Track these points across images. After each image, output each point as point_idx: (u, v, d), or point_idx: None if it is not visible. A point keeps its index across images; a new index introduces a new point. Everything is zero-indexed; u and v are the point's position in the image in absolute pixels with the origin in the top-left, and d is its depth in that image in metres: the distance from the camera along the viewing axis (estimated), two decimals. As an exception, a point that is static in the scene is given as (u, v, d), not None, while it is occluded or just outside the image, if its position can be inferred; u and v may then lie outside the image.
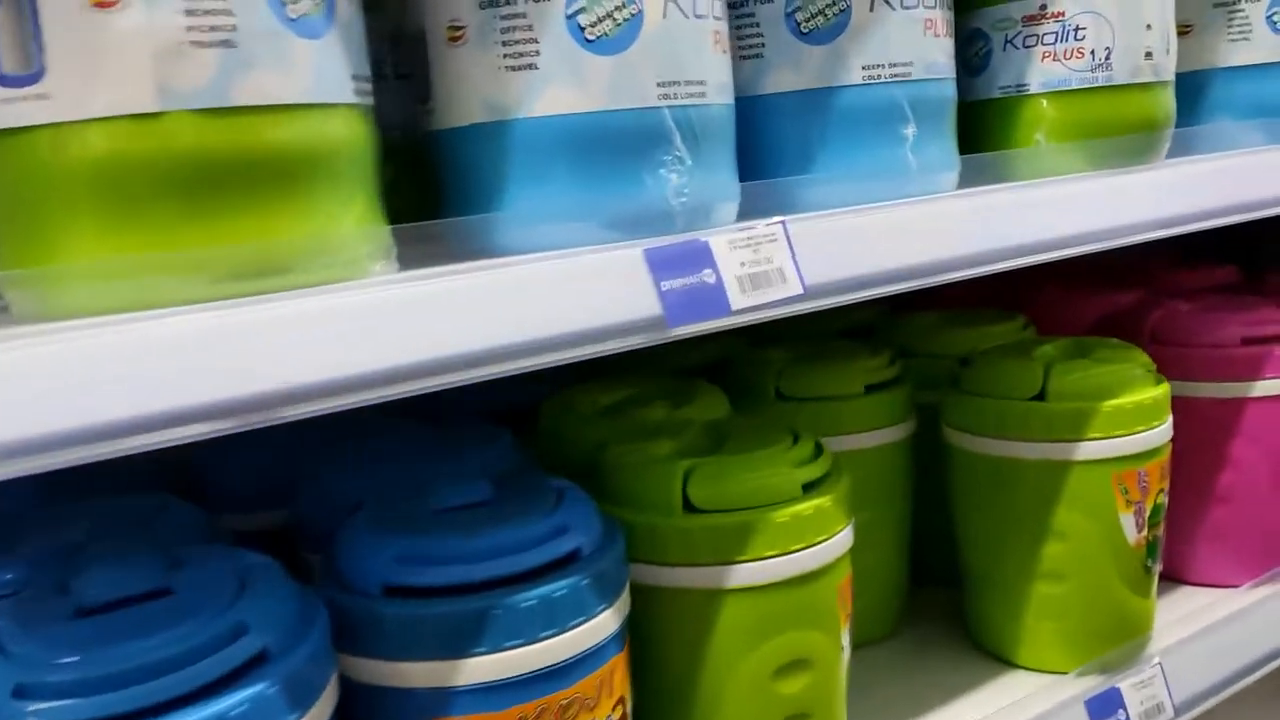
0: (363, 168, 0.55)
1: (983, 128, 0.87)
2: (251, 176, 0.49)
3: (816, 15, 0.72)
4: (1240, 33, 0.95)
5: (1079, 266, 1.12)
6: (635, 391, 0.92)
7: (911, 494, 0.99)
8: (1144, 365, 0.91)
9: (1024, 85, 0.84)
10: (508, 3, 0.59)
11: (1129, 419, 0.87)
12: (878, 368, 0.97)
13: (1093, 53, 0.81)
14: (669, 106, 0.61)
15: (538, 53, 0.59)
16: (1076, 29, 0.81)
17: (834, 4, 0.72)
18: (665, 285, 0.59)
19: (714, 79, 0.63)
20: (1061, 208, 0.76)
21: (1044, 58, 0.82)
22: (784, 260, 0.64)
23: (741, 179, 0.75)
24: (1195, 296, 1.14)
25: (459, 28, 0.61)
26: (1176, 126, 0.97)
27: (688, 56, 0.62)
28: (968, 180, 0.80)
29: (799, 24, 0.72)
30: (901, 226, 0.69)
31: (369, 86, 0.56)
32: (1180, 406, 1.01)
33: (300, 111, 0.50)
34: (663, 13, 0.60)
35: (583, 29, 0.59)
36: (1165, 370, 1.01)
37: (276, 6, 0.49)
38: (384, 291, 0.51)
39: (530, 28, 0.59)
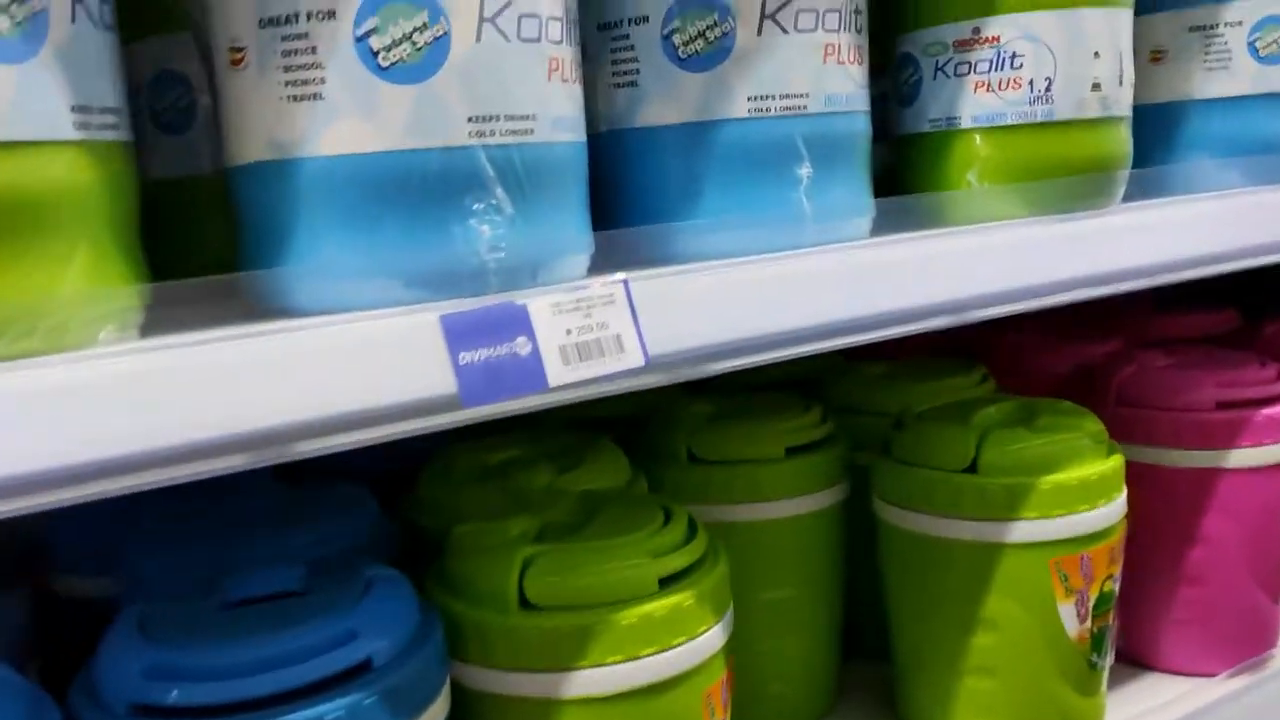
0: (93, 216, 0.46)
1: (913, 166, 0.77)
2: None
3: (696, 38, 0.63)
4: (1219, 60, 0.84)
5: (1056, 309, 1.02)
6: (524, 451, 0.83)
7: (841, 566, 0.89)
8: (1093, 435, 0.81)
9: (955, 119, 0.74)
10: (289, 21, 0.50)
11: (1070, 497, 0.77)
12: (803, 427, 0.87)
13: (1031, 83, 0.71)
14: (484, 145, 0.52)
15: (323, 80, 0.50)
16: (1013, 56, 0.71)
17: (715, 25, 0.62)
18: (464, 358, 0.50)
19: (549, 112, 0.54)
20: (983, 259, 0.67)
21: (977, 88, 0.72)
22: (624, 326, 0.55)
23: (619, 223, 0.66)
24: (1179, 348, 1.03)
25: (239, 49, 0.52)
26: (1149, 164, 0.87)
27: (511, 86, 0.52)
28: (885, 227, 0.71)
29: (676, 48, 0.63)
30: (778, 283, 0.59)
31: (110, 119, 0.47)
32: (1148, 475, 0.91)
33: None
34: (476, 35, 0.51)
35: (376, 53, 0.50)
36: (1132, 434, 0.91)
37: (-47, 29, 0.41)
38: (90, 366, 0.43)
39: (314, 50, 0.50)
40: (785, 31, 0.63)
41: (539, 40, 0.53)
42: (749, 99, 0.63)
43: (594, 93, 0.67)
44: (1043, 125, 0.72)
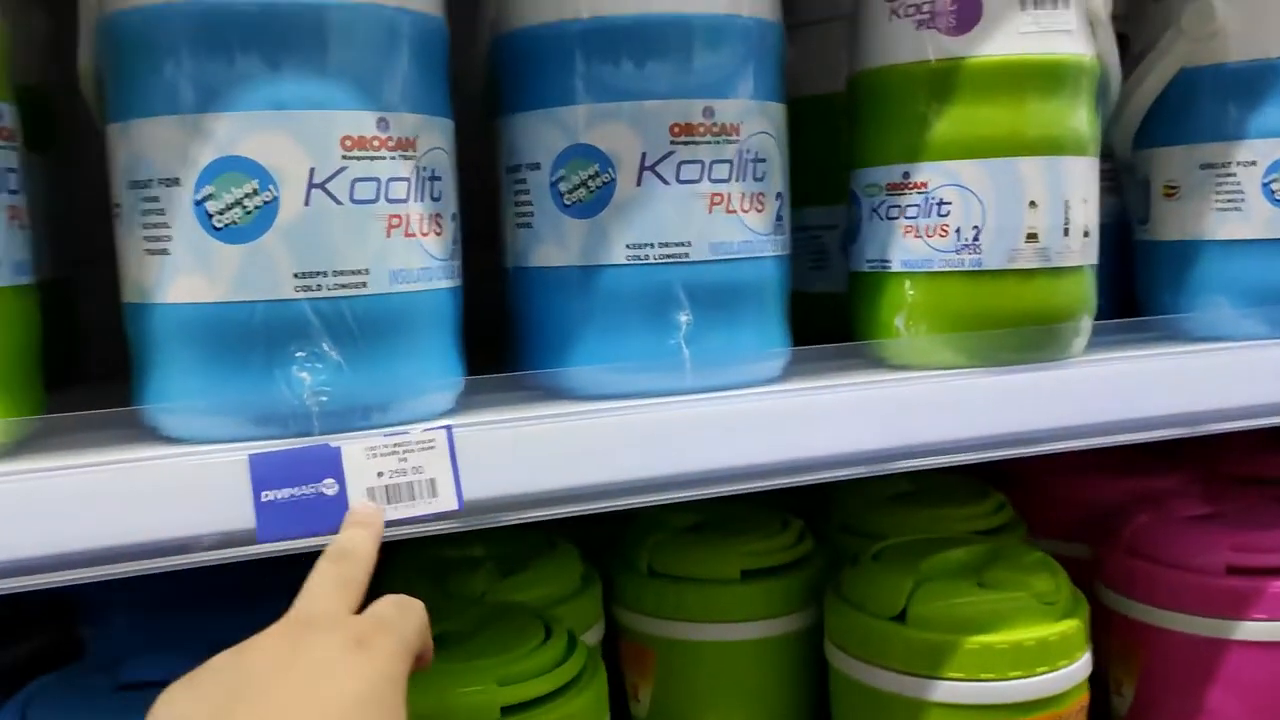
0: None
1: (855, 306, 0.76)
2: None
3: (579, 186, 0.65)
4: (1230, 202, 0.77)
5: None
6: (481, 550, 0.86)
7: (806, 695, 0.87)
8: (1042, 594, 0.76)
9: (887, 261, 0.72)
10: (146, 184, 0.56)
11: (999, 660, 0.72)
12: (770, 549, 0.86)
13: (958, 231, 0.69)
14: (310, 299, 0.56)
15: (170, 238, 0.56)
16: (940, 203, 0.69)
17: (597, 175, 0.64)
18: (266, 495, 0.55)
19: (386, 266, 0.58)
20: (852, 413, 0.65)
21: (906, 232, 0.70)
22: (440, 471, 0.58)
23: (525, 355, 0.69)
24: (1235, 494, 0.94)
25: (117, 205, 0.59)
26: (1160, 304, 0.82)
27: (342, 245, 0.56)
28: (800, 373, 0.70)
29: (563, 195, 0.65)
30: (614, 432, 0.61)
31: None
32: (1150, 637, 0.84)
33: None
34: (305, 200, 0.55)
35: (211, 215, 0.55)
36: (1134, 590, 0.85)
37: None
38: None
39: (163, 212, 0.56)
40: (665, 182, 0.64)
41: (375, 201, 0.57)
42: (628, 246, 0.64)
43: (504, 230, 0.70)
44: (972, 274, 0.69)
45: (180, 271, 0.56)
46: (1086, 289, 0.72)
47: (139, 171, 0.57)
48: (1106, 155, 0.88)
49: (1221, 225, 0.78)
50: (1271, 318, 0.76)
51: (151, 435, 0.59)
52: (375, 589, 0.82)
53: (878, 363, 0.74)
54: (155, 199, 0.56)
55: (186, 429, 0.58)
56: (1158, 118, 0.81)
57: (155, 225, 0.56)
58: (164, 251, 0.56)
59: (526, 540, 0.89)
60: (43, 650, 0.88)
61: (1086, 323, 0.73)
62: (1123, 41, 0.88)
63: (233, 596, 0.79)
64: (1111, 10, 0.88)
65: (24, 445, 0.57)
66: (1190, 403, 0.72)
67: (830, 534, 0.97)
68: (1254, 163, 0.76)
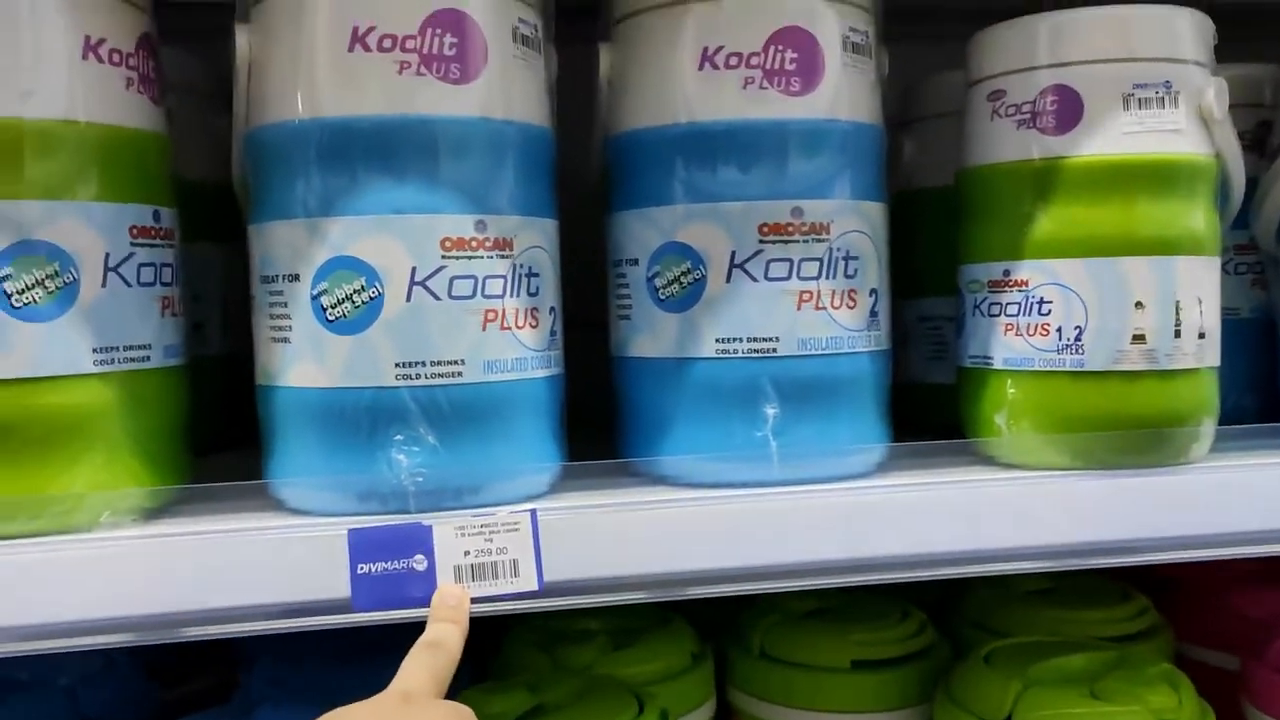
0: (107, 430, 0.61)
1: (962, 400, 0.75)
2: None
3: (672, 283, 0.68)
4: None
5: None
6: (597, 624, 0.89)
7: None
8: (1157, 711, 0.72)
9: (989, 358, 0.71)
10: (273, 280, 0.63)
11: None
12: (885, 640, 0.85)
13: (1059, 331, 0.67)
14: (409, 387, 0.61)
15: (291, 328, 0.62)
16: (1041, 302, 0.68)
17: (688, 272, 0.67)
18: (362, 568, 0.59)
19: (481, 357, 0.62)
20: (944, 514, 0.64)
21: (1007, 330, 0.70)
22: (523, 552, 0.61)
23: (627, 439, 0.73)
24: None
25: (252, 297, 0.66)
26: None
27: (439, 338, 0.61)
28: (902, 468, 0.70)
29: (657, 289, 0.68)
30: (693, 523, 0.62)
31: (136, 354, 0.62)
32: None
33: (17, 385, 0.58)
34: (406, 296, 0.61)
35: (324, 309, 0.61)
36: (1277, 709, 0.79)
37: (1, 298, 0.57)
38: (70, 547, 0.57)
39: (286, 304, 0.62)
40: (754, 279, 0.66)
41: (472, 297, 0.62)
42: (717, 340, 0.67)
43: (610, 321, 0.74)
44: (1074, 374, 0.67)
45: (298, 359, 0.62)
46: (1203, 392, 0.69)
47: (268, 268, 0.63)
48: (1252, 247, 0.84)
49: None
50: None
51: (275, 505, 0.65)
52: (495, 652, 0.87)
53: (984, 460, 0.73)
54: (280, 293, 0.63)
55: (301, 501, 0.64)
56: (1300, 211, 0.78)
57: (279, 316, 0.63)
58: (285, 340, 0.63)
59: (641, 614, 0.91)
60: (203, 692, 0.96)
61: (1207, 426, 0.70)
62: (1267, 130, 0.84)
63: (371, 652, 0.85)
64: (1261, 99, 0.85)
65: (167, 510, 0.64)
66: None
67: (959, 628, 0.95)
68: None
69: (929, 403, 0.90)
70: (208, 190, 0.84)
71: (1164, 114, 0.66)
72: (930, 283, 0.89)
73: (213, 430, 0.83)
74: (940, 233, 0.83)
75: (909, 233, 0.91)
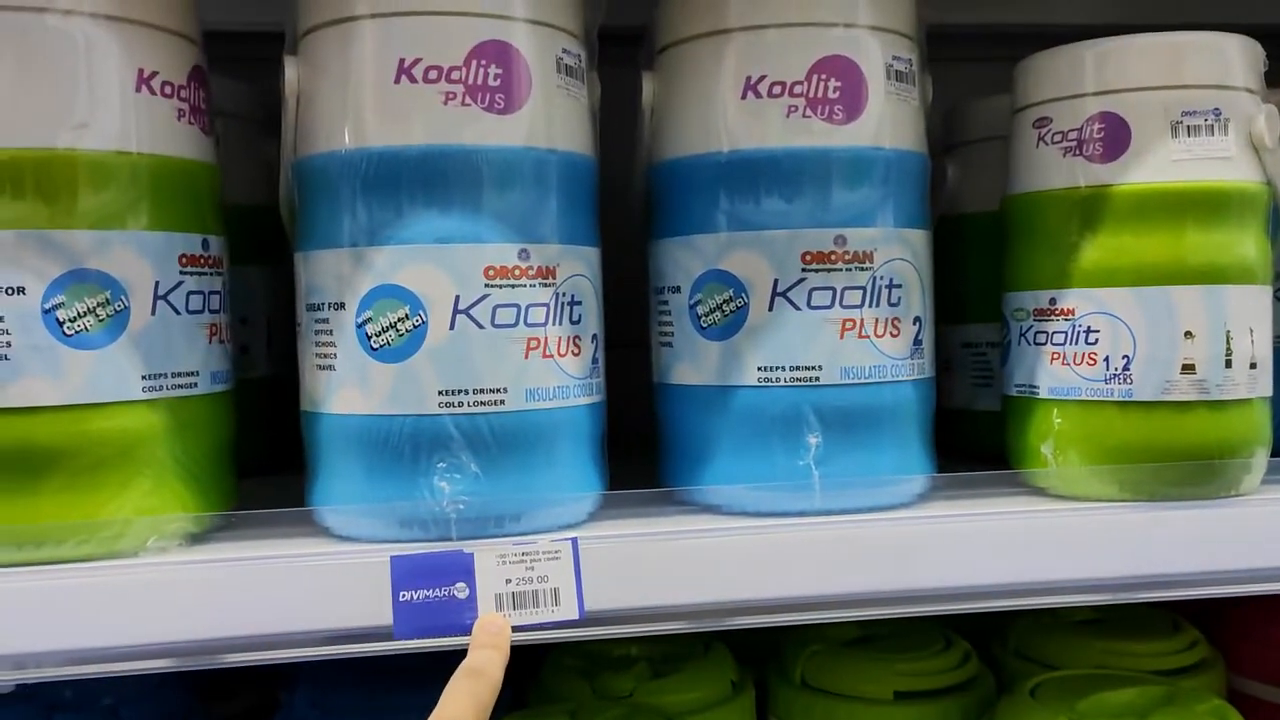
0: (154, 455, 0.62)
1: (1007, 429, 0.74)
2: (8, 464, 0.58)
3: (714, 310, 0.68)
4: None
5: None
6: (639, 650, 0.89)
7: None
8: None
9: (1035, 387, 0.70)
10: (319, 308, 0.64)
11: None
12: (928, 671, 0.84)
13: (1107, 360, 0.67)
14: (451, 415, 0.61)
15: (336, 355, 0.63)
16: (1088, 331, 0.67)
17: (731, 300, 0.67)
18: (404, 596, 0.60)
19: (523, 385, 0.62)
20: (957, 548, 0.64)
21: (1053, 359, 0.69)
22: (564, 581, 0.61)
23: (668, 466, 0.73)
24: None
25: (298, 324, 0.66)
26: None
27: (482, 366, 0.61)
28: (948, 497, 0.70)
29: (700, 317, 0.68)
30: (727, 554, 0.62)
31: (184, 380, 0.63)
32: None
33: (67, 411, 0.59)
34: (450, 324, 0.61)
35: (369, 337, 0.62)
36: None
37: (53, 326, 0.58)
38: (114, 572, 0.58)
39: (331, 332, 0.63)
40: (797, 308, 0.66)
41: (515, 325, 0.62)
42: (759, 368, 0.67)
43: (651, 348, 0.74)
44: (1122, 404, 0.66)
45: (343, 385, 0.63)
46: (1255, 422, 0.68)
47: (314, 296, 0.64)
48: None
49: None
50: None
51: (318, 531, 0.66)
52: (534, 679, 0.87)
53: (1030, 490, 0.72)
54: (326, 320, 0.63)
55: (344, 528, 0.64)
56: (1355, 238, 0.76)
57: (324, 344, 0.64)
58: (330, 367, 0.63)
59: (682, 642, 0.91)
60: (246, 711, 0.97)
61: (1259, 458, 0.69)
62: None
63: (413, 675, 0.85)
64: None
65: (212, 535, 0.65)
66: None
67: (1004, 659, 0.94)
68: None
69: (974, 430, 0.89)
70: (254, 214, 0.85)
71: (1213, 141, 0.65)
72: (974, 309, 0.88)
73: (257, 453, 0.84)
74: (984, 258, 0.82)
75: (952, 258, 0.91)
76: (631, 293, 0.77)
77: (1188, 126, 0.65)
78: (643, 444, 0.76)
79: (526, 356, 0.63)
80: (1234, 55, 0.67)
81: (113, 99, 0.60)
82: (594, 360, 0.67)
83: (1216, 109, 0.66)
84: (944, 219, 0.92)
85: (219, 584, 0.59)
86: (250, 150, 0.91)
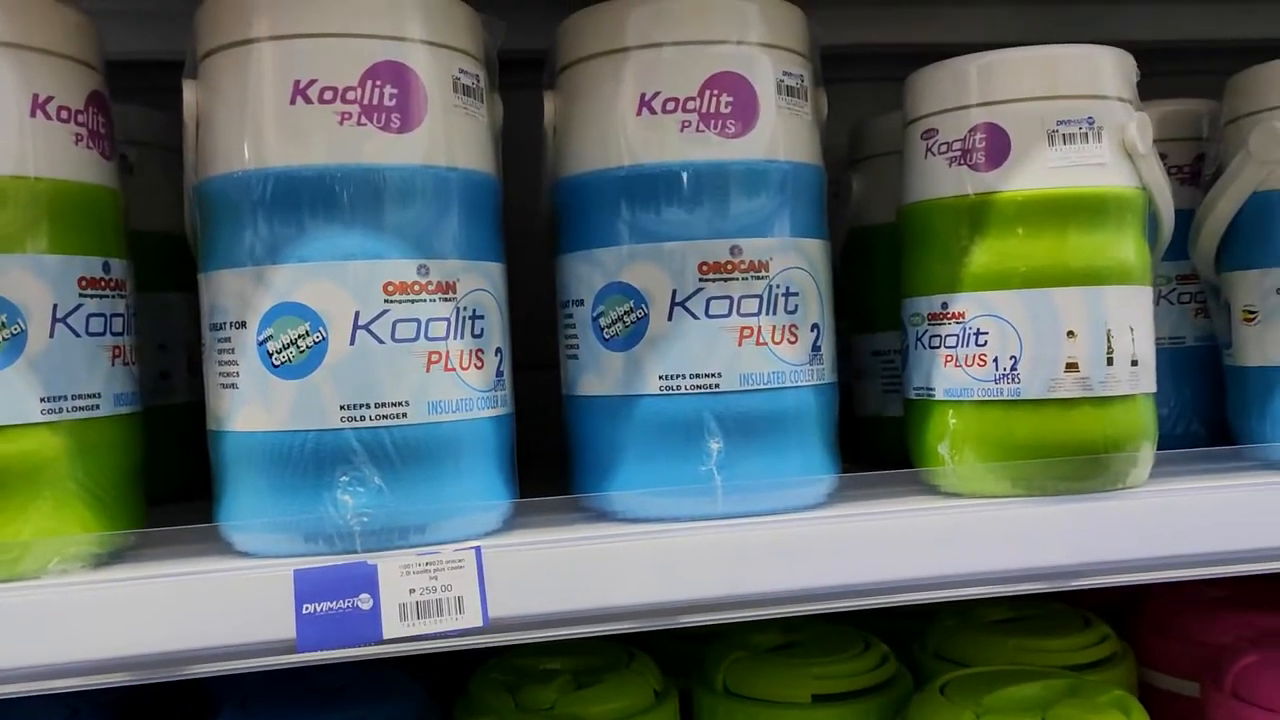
0: (56, 478, 0.62)
1: (908, 432, 0.76)
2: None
3: (616, 322, 0.69)
4: (1310, 325, 0.74)
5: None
6: (562, 663, 0.89)
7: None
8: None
9: (931, 390, 0.72)
10: (221, 328, 0.64)
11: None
12: (845, 673, 0.86)
13: (996, 361, 0.69)
14: (354, 428, 0.62)
15: (238, 374, 0.64)
16: (978, 333, 0.69)
17: (631, 311, 0.68)
18: (307, 608, 0.60)
19: (425, 398, 0.63)
20: (856, 546, 0.65)
21: (947, 361, 0.71)
22: (468, 589, 0.62)
23: (580, 476, 0.74)
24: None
25: (203, 345, 0.67)
26: (1249, 431, 0.79)
27: (383, 380, 0.62)
28: (852, 499, 0.71)
29: (602, 329, 0.70)
30: (633, 558, 0.63)
31: (86, 403, 0.63)
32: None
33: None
34: (350, 340, 0.62)
35: (270, 354, 0.62)
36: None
37: (-51, 347, 0.59)
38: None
39: (233, 351, 0.64)
40: (695, 317, 0.68)
41: (415, 339, 0.63)
42: (660, 377, 0.68)
43: (560, 361, 0.75)
44: (1011, 403, 0.69)
45: (246, 403, 0.63)
46: (1139, 418, 0.70)
47: (216, 315, 0.65)
48: (1194, 277, 0.86)
49: (1303, 350, 0.75)
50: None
51: (226, 549, 0.66)
52: (461, 693, 0.87)
53: (929, 489, 0.74)
54: (228, 339, 0.64)
55: (249, 544, 0.64)
56: (1234, 241, 0.79)
57: (227, 362, 0.64)
58: (233, 386, 0.64)
59: (605, 653, 0.91)
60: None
61: (1145, 452, 0.71)
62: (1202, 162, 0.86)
63: (338, 693, 0.85)
64: (1199, 133, 0.87)
65: (118, 556, 0.65)
66: (1261, 537, 0.69)
67: (923, 660, 0.95)
68: (1332, 286, 0.73)
69: (885, 435, 0.91)
70: (172, 241, 0.85)
71: (1088, 149, 0.68)
72: (882, 318, 0.90)
73: (178, 478, 0.84)
74: (890, 268, 0.84)
75: (861, 269, 0.93)
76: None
77: (1063, 135, 0.68)
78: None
79: (428, 370, 0.64)
80: (1106, 66, 0.70)
81: (8, 124, 0.61)
82: (499, 373, 0.68)
83: (1090, 118, 0.68)
84: (852, 231, 0.94)
85: (122, 604, 0.59)
86: (169, 178, 0.92)
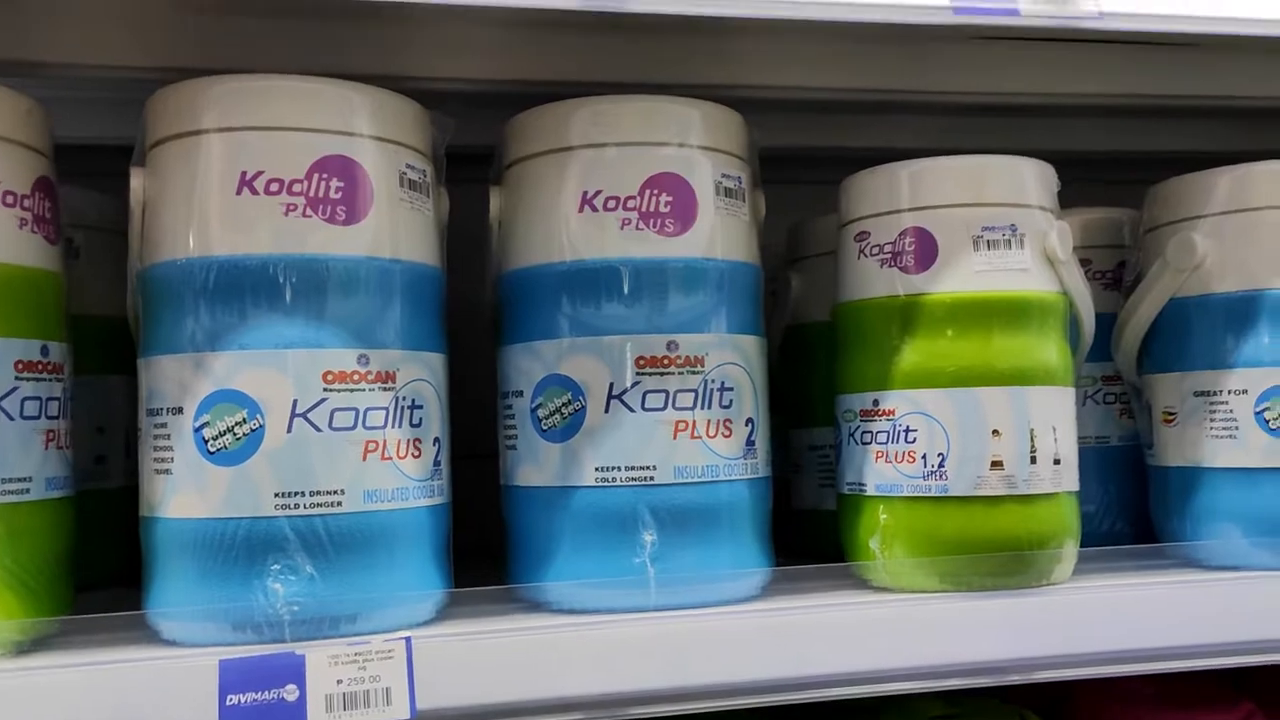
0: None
1: (842, 526, 0.77)
2: None
3: (554, 413, 0.70)
4: (1225, 430, 0.77)
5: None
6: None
7: None
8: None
9: (863, 485, 0.74)
10: (158, 413, 0.65)
11: None
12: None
13: (924, 458, 0.71)
14: (288, 516, 0.62)
15: (173, 459, 0.64)
16: (907, 430, 0.71)
17: (569, 403, 0.70)
18: (231, 699, 0.59)
19: (361, 487, 0.64)
20: (785, 640, 0.66)
21: (878, 457, 0.73)
22: (396, 680, 0.61)
23: (516, 565, 0.74)
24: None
25: (139, 430, 0.67)
26: (1169, 529, 0.81)
27: (319, 468, 0.63)
28: (786, 592, 0.72)
29: (540, 420, 0.71)
30: (565, 650, 0.63)
31: (16, 486, 0.63)
32: None
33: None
34: (287, 427, 0.62)
35: (206, 441, 0.63)
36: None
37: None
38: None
39: (169, 437, 0.64)
40: (631, 410, 0.69)
41: (353, 428, 0.64)
42: (596, 469, 0.69)
43: (500, 452, 0.76)
44: (939, 500, 0.70)
45: (179, 490, 0.63)
46: (1062, 516, 0.72)
47: (154, 401, 0.65)
48: (1118, 378, 0.89)
49: (1218, 453, 0.77)
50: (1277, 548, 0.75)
51: (152, 638, 0.65)
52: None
53: (861, 584, 0.75)
54: (164, 425, 0.64)
55: (178, 633, 0.64)
56: (1154, 344, 0.82)
57: (162, 448, 0.64)
58: (168, 472, 0.64)
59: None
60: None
61: (1069, 549, 0.73)
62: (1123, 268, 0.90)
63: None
64: (1121, 240, 0.91)
65: (42, 644, 0.64)
66: (1185, 635, 0.71)
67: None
68: (1245, 391, 0.76)
69: (822, 529, 0.92)
70: (115, 325, 0.85)
71: (1011, 254, 0.71)
72: (819, 413, 0.92)
73: (113, 563, 0.83)
74: (826, 365, 0.86)
75: (799, 364, 0.95)
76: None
77: (988, 240, 0.71)
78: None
79: (364, 458, 0.64)
80: (1029, 176, 0.74)
81: (-48, 208, 0.61)
82: (436, 462, 0.69)
83: (1013, 225, 0.71)
84: (790, 328, 0.96)
85: (40, 693, 0.58)
86: (114, 262, 0.92)
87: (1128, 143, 1.09)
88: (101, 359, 0.86)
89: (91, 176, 0.85)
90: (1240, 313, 0.77)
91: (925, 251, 0.72)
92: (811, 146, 1.09)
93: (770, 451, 0.75)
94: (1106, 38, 0.85)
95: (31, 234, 0.65)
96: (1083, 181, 0.89)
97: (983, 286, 0.70)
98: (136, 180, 0.67)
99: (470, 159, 0.77)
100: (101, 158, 0.82)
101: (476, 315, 0.78)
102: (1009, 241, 0.71)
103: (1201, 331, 0.78)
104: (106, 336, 0.84)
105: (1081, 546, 0.75)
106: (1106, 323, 0.83)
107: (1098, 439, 0.88)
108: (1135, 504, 0.88)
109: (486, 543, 0.78)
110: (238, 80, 0.65)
